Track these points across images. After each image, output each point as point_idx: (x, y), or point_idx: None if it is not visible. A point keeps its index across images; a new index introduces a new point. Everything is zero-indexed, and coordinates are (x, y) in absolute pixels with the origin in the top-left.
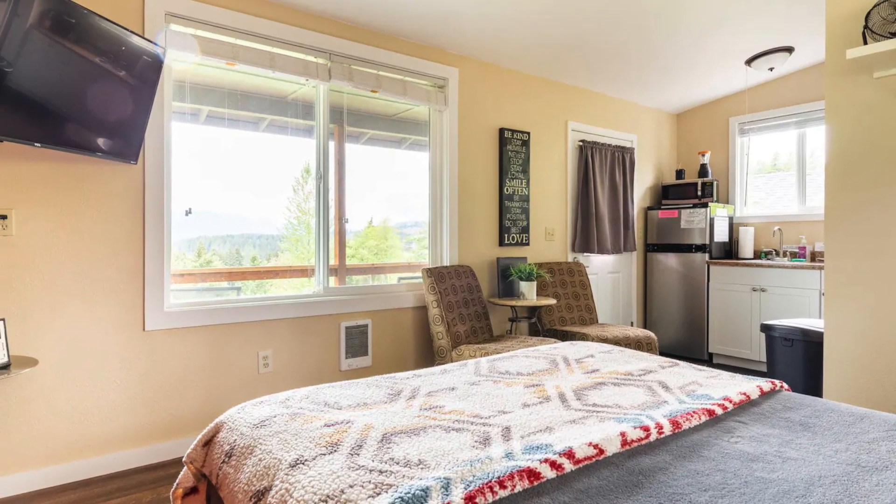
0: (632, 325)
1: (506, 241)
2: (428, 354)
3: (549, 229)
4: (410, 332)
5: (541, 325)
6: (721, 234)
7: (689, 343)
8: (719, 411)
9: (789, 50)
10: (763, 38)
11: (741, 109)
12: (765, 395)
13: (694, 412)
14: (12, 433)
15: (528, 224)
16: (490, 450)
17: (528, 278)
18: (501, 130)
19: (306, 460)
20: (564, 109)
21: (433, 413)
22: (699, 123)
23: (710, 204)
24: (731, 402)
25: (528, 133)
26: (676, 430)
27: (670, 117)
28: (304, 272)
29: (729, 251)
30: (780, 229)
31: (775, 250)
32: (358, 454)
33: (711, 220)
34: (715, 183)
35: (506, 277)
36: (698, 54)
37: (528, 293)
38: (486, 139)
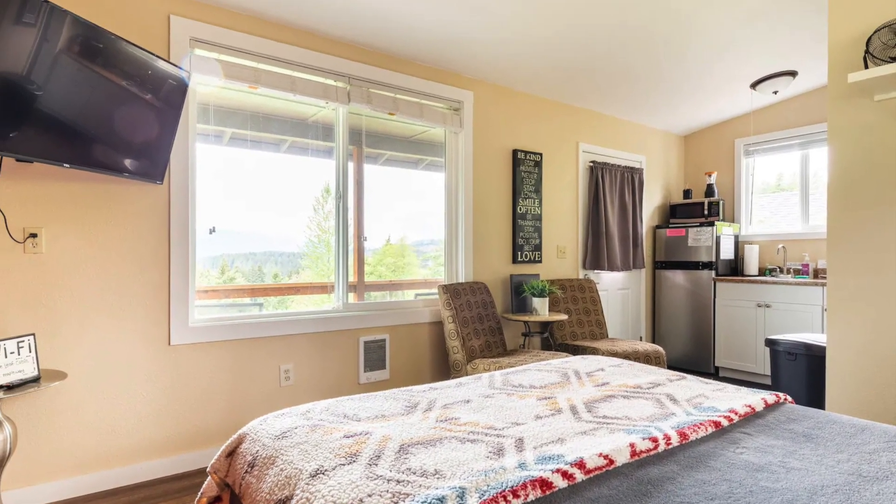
0: (641, 339)
1: (519, 259)
2: (444, 368)
3: (561, 247)
4: (427, 346)
5: (553, 340)
6: (727, 252)
7: (696, 357)
8: (725, 423)
9: (793, 74)
10: (767, 63)
11: (746, 131)
12: (769, 408)
13: (701, 424)
14: (42, 444)
15: (540, 242)
16: (504, 460)
17: (541, 294)
18: (515, 151)
19: (326, 470)
20: (575, 131)
21: (449, 425)
22: (706, 145)
23: (716, 223)
24: (736, 414)
25: (541, 154)
26: (684, 442)
27: (678, 139)
28: (324, 288)
29: (734, 268)
30: (783, 247)
31: (779, 267)
32: (376, 464)
33: (718, 238)
34: (721, 202)
35: (519, 294)
36: (705, 78)
37: (541, 309)
38: (499, 160)
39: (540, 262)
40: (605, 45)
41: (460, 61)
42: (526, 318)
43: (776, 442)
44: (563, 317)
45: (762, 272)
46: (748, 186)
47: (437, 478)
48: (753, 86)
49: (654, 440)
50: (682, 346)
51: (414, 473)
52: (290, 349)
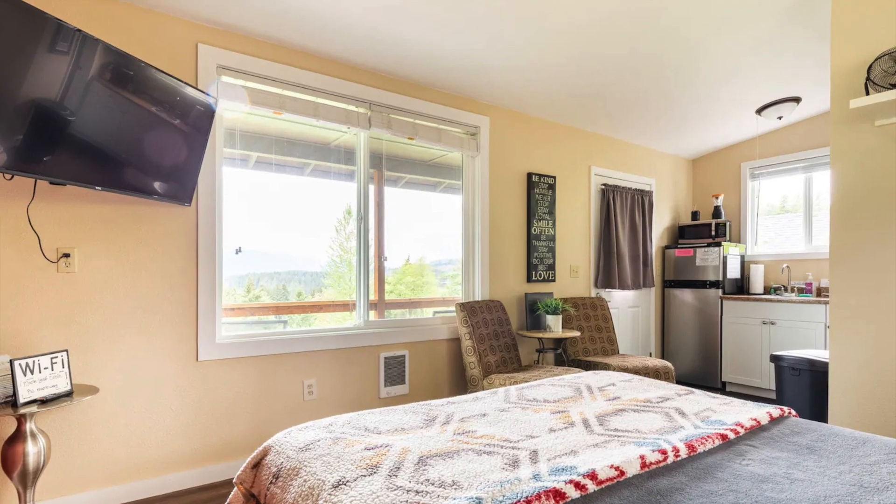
0: (650, 355)
1: (533, 278)
2: (461, 383)
3: (574, 267)
4: (445, 362)
5: (566, 356)
6: (733, 271)
7: (703, 372)
8: (732, 436)
9: (797, 100)
10: (772, 89)
11: (752, 155)
12: (774, 421)
13: (708, 436)
14: (75, 456)
15: (554, 262)
16: (519, 471)
17: (555, 312)
18: (529, 175)
19: (348, 481)
20: (588, 155)
21: (466, 437)
22: (713, 168)
23: (723, 243)
24: (742, 427)
25: (554, 177)
26: (692, 454)
27: (686, 162)
28: (346, 306)
29: (741, 287)
30: (788, 267)
31: (784, 286)
32: (396, 476)
33: (724, 258)
34: (728, 223)
35: (533, 311)
36: (712, 104)
37: (554, 326)
38: (515, 183)
39: (553, 280)
40: (617, 73)
41: (477, 88)
42: (540, 335)
43: (781, 454)
44: (576, 334)
45: (767, 291)
46: (754, 208)
47: (455, 489)
48: (759, 111)
49: (664, 452)
50: (690, 362)
51: (432, 484)
52: (313, 365)
